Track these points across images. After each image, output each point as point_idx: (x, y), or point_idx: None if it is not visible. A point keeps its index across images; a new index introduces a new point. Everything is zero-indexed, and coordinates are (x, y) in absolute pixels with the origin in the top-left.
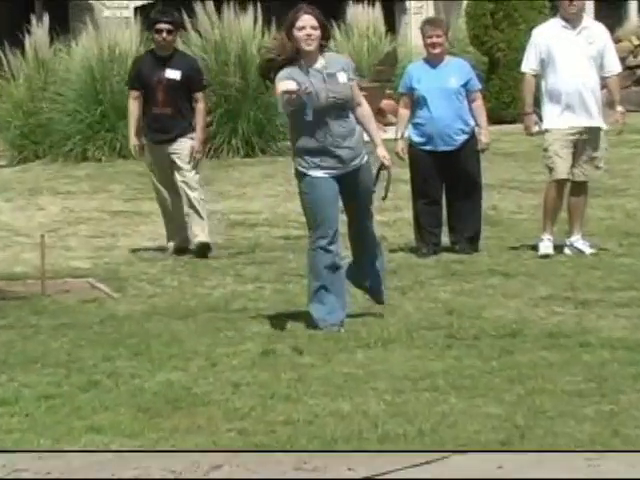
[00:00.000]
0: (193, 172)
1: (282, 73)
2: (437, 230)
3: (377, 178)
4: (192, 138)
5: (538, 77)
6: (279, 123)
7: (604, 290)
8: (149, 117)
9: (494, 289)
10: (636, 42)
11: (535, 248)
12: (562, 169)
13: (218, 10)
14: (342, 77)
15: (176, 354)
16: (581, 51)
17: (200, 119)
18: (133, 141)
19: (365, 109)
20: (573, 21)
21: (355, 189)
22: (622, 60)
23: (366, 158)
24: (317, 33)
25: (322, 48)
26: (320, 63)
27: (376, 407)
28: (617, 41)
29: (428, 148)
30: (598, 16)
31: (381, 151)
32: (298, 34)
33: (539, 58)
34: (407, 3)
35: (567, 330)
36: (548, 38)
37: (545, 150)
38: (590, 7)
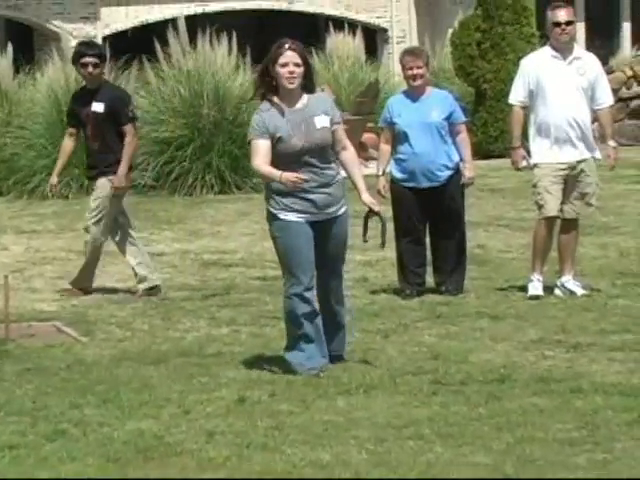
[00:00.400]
0: (92, 214)
1: (257, 119)
2: (421, 270)
3: (366, 226)
4: (111, 180)
5: (527, 109)
6: None
7: (597, 333)
8: (86, 152)
9: (482, 332)
10: (629, 73)
11: (524, 289)
12: (552, 206)
13: (192, 40)
14: (322, 121)
15: (147, 401)
16: (572, 82)
17: (125, 152)
18: (52, 179)
19: (350, 154)
20: (564, 51)
21: (326, 241)
22: (615, 92)
23: (344, 209)
24: (300, 70)
25: (306, 87)
26: (301, 103)
27: (358, 457)
28: (610, 72)
29: (410, 185)
30: (590, 46)
31: (367, 198)
32: (280, 70)
33: (528, 89)
34: (390, 31)
35: (558, 375)
36: (537, 68)
37: (534, 186)
38: (582, 37)
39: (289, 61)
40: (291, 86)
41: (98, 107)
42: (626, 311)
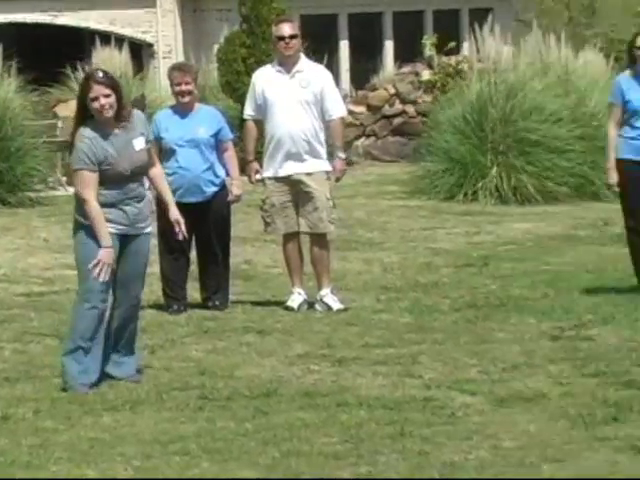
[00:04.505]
0: None
1: (84, 148)
2: (187, 285)
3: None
4: None
5: (262, 123)
6: (20, 172)
7: (361, 347)
8: None
9: (248, 347)
10: (392, 91)
11: None
12: (279, 225)
13: None
14: (139, 143)
15: None
16: (294, 96)
17: None
18: None
19: (158, 170)
20: (287, 64)
21: (130, 257)
22: (379, 109)
23: (150, 229)
24: (111, 100)
25: (120, 113)
26: (119, 126)
27: (123, 473)
28: (373, 90)
29: (175, 200)
30: (354, 64)
31: (174, 213)
32: (92, 105)
33: (256, 104)
34: (155, 46)
35: (324, 389)
36: (263, 83)
37: (262, 201)
38: (346, 55)
39: (98, 94)
40: (107, 115)
41: None
42: (389, 325)
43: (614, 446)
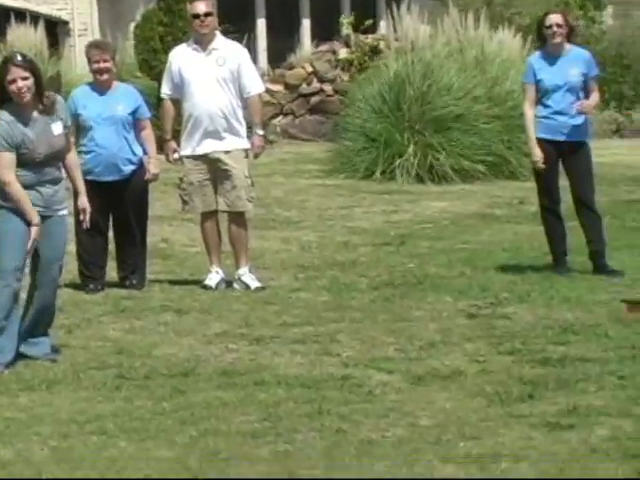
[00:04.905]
0: None
1: (1, 131)
2: (104, 264)
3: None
4: None
5: (179, 102)
6: None
7: (279, 326)
8: None
9: (166, 326)
10: (310, 69)
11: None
12: (197, 203)
13: None
14: (58, 128)
15: None
16: (211, 73)
17: None
18: None
19: (73, 155)
20: (203, 43)
21: (47, 240)
22: (296, 87)
23: (66, 211)
24: (29, 83)
25: (40, 97)
26: (37, 110)
27: (40, 453)
28: (290, 68)
29: (92, 178)
30: (272, 42)
31: (83, 201)
32: (9, 87)
33: (173, 82)
34: (71, 24)
35: (242, 368)
36: (180, 61)
37: (180, 180)
38: (263, 34)
39: (16, 77)
40: (24, 100)
41: None
42: (307, 304)
43: (529, 423)
